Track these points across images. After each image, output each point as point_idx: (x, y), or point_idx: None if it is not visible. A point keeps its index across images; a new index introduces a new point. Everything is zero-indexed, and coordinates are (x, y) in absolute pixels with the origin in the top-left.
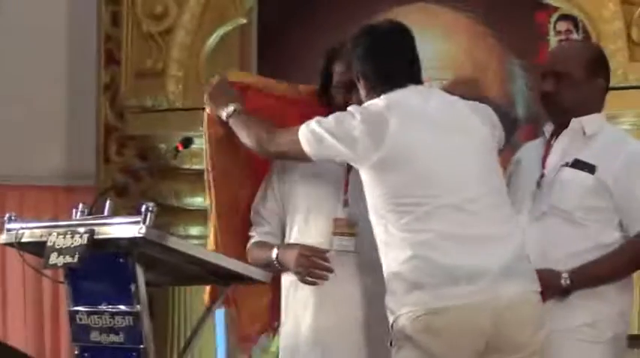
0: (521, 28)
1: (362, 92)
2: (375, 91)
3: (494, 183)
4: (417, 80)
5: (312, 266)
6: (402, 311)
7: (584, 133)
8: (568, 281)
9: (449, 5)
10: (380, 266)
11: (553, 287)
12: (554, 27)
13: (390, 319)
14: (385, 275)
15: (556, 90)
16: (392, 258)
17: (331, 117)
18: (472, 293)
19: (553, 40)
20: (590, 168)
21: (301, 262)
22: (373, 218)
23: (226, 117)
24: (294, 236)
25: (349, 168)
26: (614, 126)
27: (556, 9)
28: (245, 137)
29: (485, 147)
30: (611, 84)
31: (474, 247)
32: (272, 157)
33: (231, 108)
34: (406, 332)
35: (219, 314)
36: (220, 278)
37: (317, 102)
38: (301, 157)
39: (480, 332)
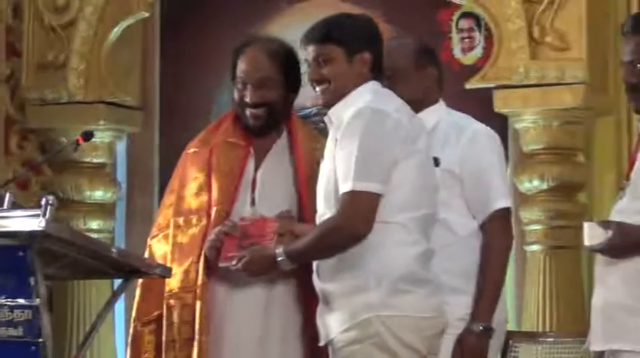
0: (424, 25)
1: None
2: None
3: None
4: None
5: None
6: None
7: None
8: (282, 257)
9: (350, 0)
10: None
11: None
12: (457, 25)
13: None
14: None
15: (390, 87)
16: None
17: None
18: None
19: (455, 38)
20: (434, 161)
21: None
22: None
23: (287, 264)
24: None
25: (256, 167)
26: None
27: (459, 7)
28: (321, 251)
29: None
30: (512, 82)
31: None
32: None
33: (279, 258)
34: None
35: (119, 308)
36: (121, 272)
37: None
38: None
39: None
